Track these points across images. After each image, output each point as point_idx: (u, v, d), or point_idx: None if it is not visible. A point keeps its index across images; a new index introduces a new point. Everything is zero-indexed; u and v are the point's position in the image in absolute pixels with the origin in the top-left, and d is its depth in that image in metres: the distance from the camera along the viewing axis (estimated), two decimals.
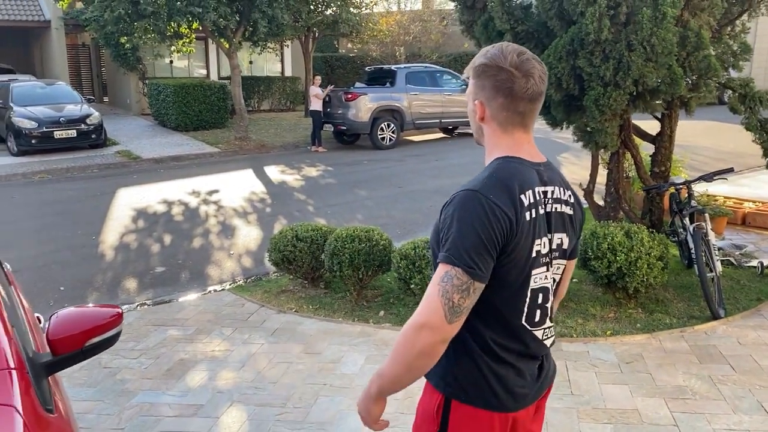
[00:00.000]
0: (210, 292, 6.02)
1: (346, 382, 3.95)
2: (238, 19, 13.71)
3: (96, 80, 24.89)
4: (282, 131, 16.73)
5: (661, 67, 4.22)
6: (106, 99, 24.14)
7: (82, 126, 13.74)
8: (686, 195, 5.14)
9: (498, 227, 1.50)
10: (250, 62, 22.41)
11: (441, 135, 16.66)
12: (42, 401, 1.54)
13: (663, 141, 5.41)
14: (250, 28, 14.46)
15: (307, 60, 19.67)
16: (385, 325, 4.88)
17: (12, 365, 1.51)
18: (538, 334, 1.67)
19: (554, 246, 1.65)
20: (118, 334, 1.88)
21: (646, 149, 6.07)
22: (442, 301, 1.49)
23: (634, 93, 4.39)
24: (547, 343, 1.71)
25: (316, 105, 14.34)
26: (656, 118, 5.44)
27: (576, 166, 11.93)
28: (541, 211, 1.60)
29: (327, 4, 17.45)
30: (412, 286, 4.86)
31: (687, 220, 5.03)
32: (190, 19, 12.66)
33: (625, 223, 5.02)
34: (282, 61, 23.46)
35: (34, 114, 13.40)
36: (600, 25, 4.11)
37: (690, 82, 4.60)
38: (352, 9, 18.49)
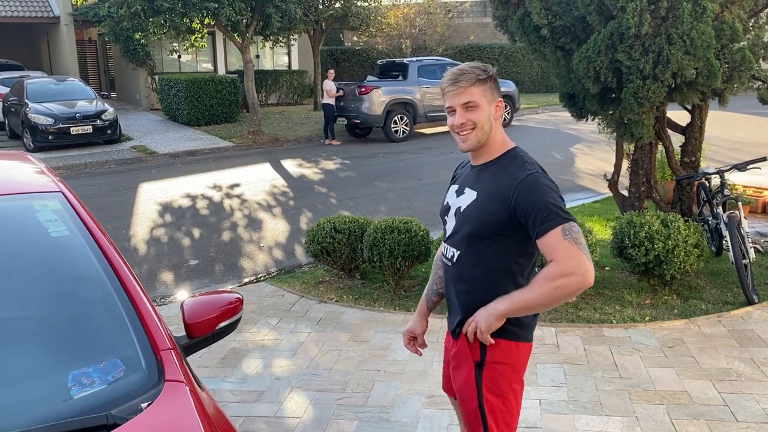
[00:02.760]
0: (247, 283, 6.16)
1: (399, 368, 4.08)
2: (251, 13, 13.79)
3: (103, 76, 24.95)
4: (294, 125, 16.83)
5: (699, 60, 4.33)
6: (113, 94, 24.19)
7: (98, 122, 13.85)
8: (718, 184, 5.26)
9: None
10: (257, 56, 22.47)
11: None
12: (195, 379, 1.68)
13: (693, 132, 5.54)
14: (263, 23, 14.53)
15: (316, 53, 19.74)
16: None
17: (171, 345, 1.65)
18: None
19: None
20: (239, 319, 2.01)
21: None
22: (579, 247, 1.85)
23: (672, 85, 4.51)
24: None
25: (328, 99, 14.44)
26: (686, 109, 5.55)
27: (590, 156, 12.07)
28: None
29: None
30: None
31: (719, 209, 5.15)
32: (205, 14, 12.74)
33: (659, 212, 5.15)
34: (289, 54, 23.52)
35: (50, 110, 13.50)
36: (641, 20, 4.23)
37: (724, 73, 4.72)
38: (360, 2, 18.54)
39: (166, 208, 9.10)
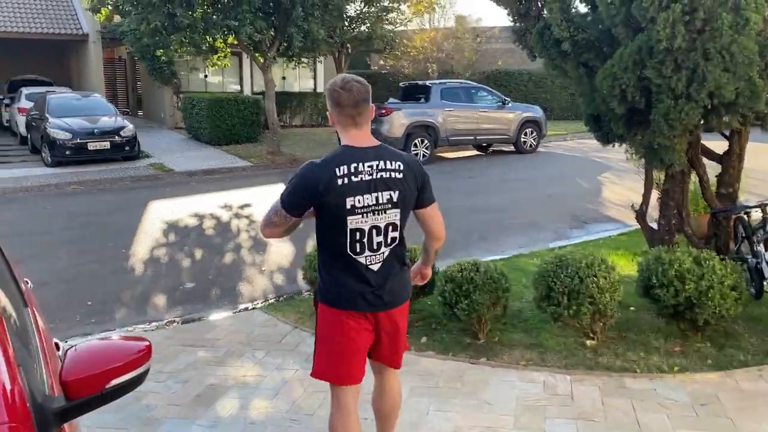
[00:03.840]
0: (242, 310, 5.75)
1: None
2: (273, 33, 13.64)
3: (132, 94, 25.16)
4: (314, 146, 16.57)
5: (740, 79, 3.85)
6: (140, 112, 24.35)
7: (116, 138, 13.74)
8: (760, 219, 4.72)
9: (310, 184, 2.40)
10: (283, 78, 22.42)
11: (474, 152, 16.31)
12: None
13: (731, 160, 5.01)
14: (285, 43, 14.36)
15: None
16: (428, 354, 4.53)
17: (10, 420, 1.19)
18: (361, 260, 2.46)
19: (384, 200, 2.43)
20: (145, 373, 1.58)
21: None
22: (267, 211, 2.60)
23: (708, 106, 4.02)
24: (373, 267, 2.49)
25: None
26: (723, 135, 5.04)
27: (618, 185, 11.49)
28: (362, 178, 2.38)
29: (362, 19, 17.33)
30: (458, 311, 4.51)
31: (761, 247, 4.60)
32: (226, 32, 12.60)
33: (691, 249, 4.62)
34: (315, 77, 23.43)
35: (68, 125, 13.44)
36: (673, 32, 3.76)
37: None
38: (386, 25, 18.34)
39: (171, 227, 8.79)
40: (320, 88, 23.24)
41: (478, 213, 9.42)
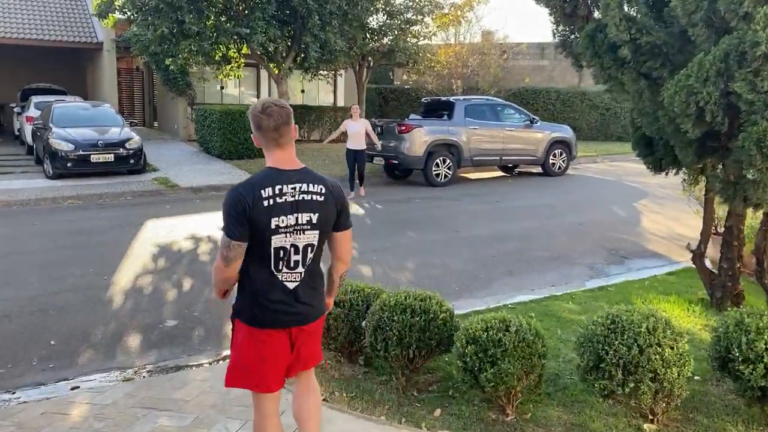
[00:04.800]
0: (223, 358, 4.87)
1: None
2: (289, 43, 12.90)
3: (148, 105, 24.70)
4: (330, 163, 15.74)
5: None
6: (156, 124, 23.85)
7: (121, 150, 13.06)
8: None
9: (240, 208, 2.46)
10: (302, 91, 21.75)
11: (500, 173, 15.36)
12: None
13: None
14: (302, 54, 13.62)
15: (360, 90, 18.81)
16: None
17: None
18: (280, 276, 2.59)
19: (303, 221, 2.55)
20: None
21: None
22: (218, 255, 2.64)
23: None
24: (289, 285, 2.61)
25: (351, 142, 11.82)
26: None
27: (659, 215, 10.47)
28: (285, 199, 2.50)
29: (384, 31, 16.57)
30: (482, 380, 3.58)
31: None
32: (237, 40, 11.89)
33: None
34: (335, 91, 22.73)
35: (71, 136, 12.80)
36: None
37: None
38: (410, 38, 17.55)
39: (163, 250, 7.98)
40: (340, 102, 22.54)
41: (503, 242, 8.48)
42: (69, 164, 12.64)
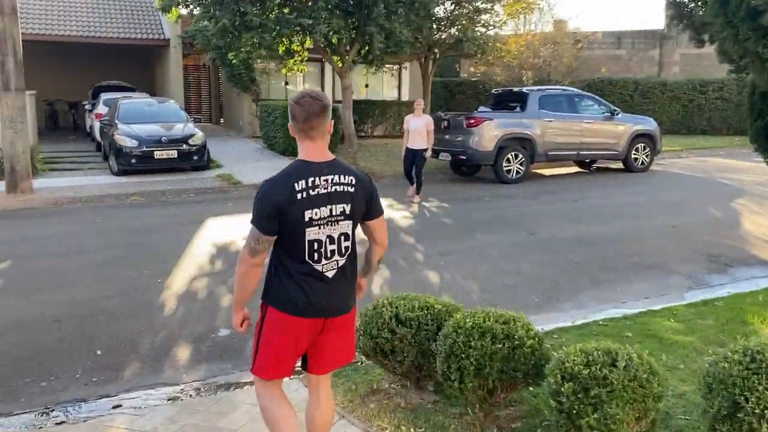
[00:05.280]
0: None
1: None
2: (352, 34, 12.38)
3: (214, 101, 24.85)
4: (393, 159, 15.16)
5: None
6: (222, 120, 23.96)
7: (184, 146, 12.92)
8: None
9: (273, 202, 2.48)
10: (366, 85, 21.30)
11: (576, 169, 14.41)
12: None
13: None
14: (366, 45, 13.09)
15: (426, 83, 18.15)
16: None
17: None
18: (318, 267, 2.59)
19: (338, 212, 2.58)
20: None
21: None
22: (245, 244, 2.64)
23: None
24: (328, 275, 2.62)
25: (409, 139, 10.64)
26: None
27: (761, 216, 9.41)
28: (318, 192, 2.51)
29: (452, 21, 15.84)
30: (582, 426, 2.91)
31: None
32: (300, 31, 11.47)
33: None
34: (399, 84, 22.17)
35: (135, 132, 12.75)
36: None
37: None
38: (478, 28, 16.73)
39: (221, 251, 7.62)
40: (405, 96, 21.96)
41: (587, 246, 7.68)
42: (133, 160, 12.59)
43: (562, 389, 2.97)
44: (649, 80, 23.15)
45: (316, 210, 2.51)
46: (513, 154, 12.27)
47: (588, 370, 2.94)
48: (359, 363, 4.52)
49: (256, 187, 12.26)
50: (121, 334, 5.15)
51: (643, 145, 13.51)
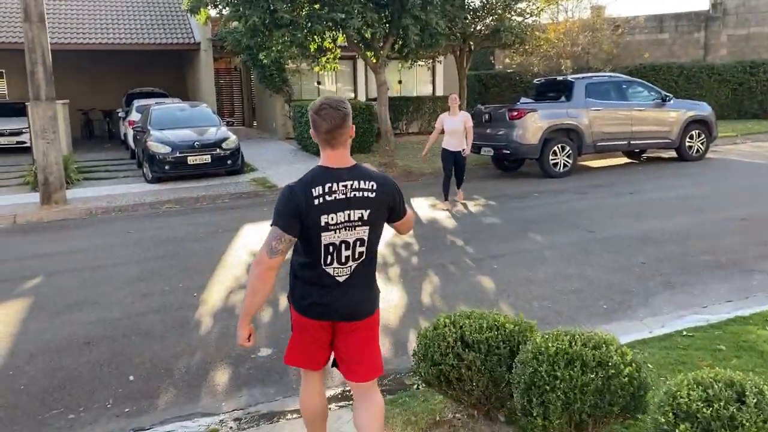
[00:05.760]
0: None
1: None
2: (386, 28, 11.88)
3: (246, 104, 24.66)
4: (432, 156, 14.57)
5: None
6: (255, 123, 23.74)
7: (217, 151, 12.61)
8: None
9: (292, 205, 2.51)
10: (400, 82, 20.81)
11: (625, 160, 13.66)
12: None
13: None
14: (400, 39, 12.58)
15: (461, 77, 17.55)
16: None
17: None
18: (329, 271, 2.62)
19: (355, 218, 2.57)
20: None
21: None
22: (263, 244, 2.64)
23: None
24: (339, 279, 2.64)
25: (448, 140, 9.57)
26: None
27: None
28: (335, 197, 2.53)
29: (488, 10, 15.21)
30: None
31: None
32: (332, 27, 11.02)
33: None
34: (434, 79, 21.61)
35: (168, 138, 12.50)
36: None
37: None
38: (514, 17, 16.06)
39: None
40: (439, 91, 21.40)
41: (652, 244, 7.05)
42: (167, 167, 12.34)
43: (677, 430, 2.43)
44: (695, 64, 22.08)
45: (332, 215, 2.54)
46: (559, 146, 11.62)
47: (710, 410, 2.39)
48: (416, 387, 4.04)
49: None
50: (155, 357, 4.77)
51: (697, 131, 12.71)
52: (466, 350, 3.19)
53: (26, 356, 4.83)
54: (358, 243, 2.62)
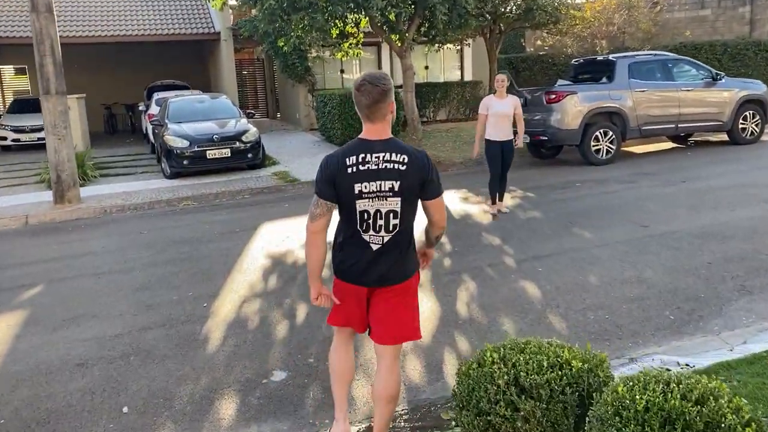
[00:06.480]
0: None
1: None
2: (412, 8, 11.11)
3: (270, 95, 24.10)
4: (461, 144, 13.88)
5: None
6: (278, 114, 23.18)
7: (237, 144, 12.02)
8: None
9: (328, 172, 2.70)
10: (426, 67, 20.00)
11: (671, 145, 12.72)
12: None
13: None
14: (427, 21, 11.81)
15: (492, 60, 16.70)
16: None
17: None
18: (366, 237, 2.76)
19: (386, 188, 2.68)
20: None
21: None
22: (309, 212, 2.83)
23: None
24: (373, 246, 2.76)
25: (493, 129, 7.87)
26: None
27: None
28: (368, 167, 2.65)
29: None
30: None
31: None
32: (353, 8, 10.31)
33: None
34: (461, 64, 20.71)
35: (186, 132, 11.95)
36: None
37: None
38: None
39: (276, 264, 6.59)
40: (468, 76, 20.52)
41: (715, 241, 6.23)
42: (185, 162, 11.80)
43: None
44: (740, 41, 20.77)
45: (366, 183, 2.66)
46: (602, 131, 10.75)
47: None
48: (455, 425, 3.36)
49: (314, 185, 11.34)
50: (154, 382, 4.17)
51: (752, 112, 11.70)
52: (523, 397, 2.50)
53: (12, 382, 4.29)
54: (392, 215, 2.72)
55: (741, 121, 11.69)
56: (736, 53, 20.33)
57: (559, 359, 2.62)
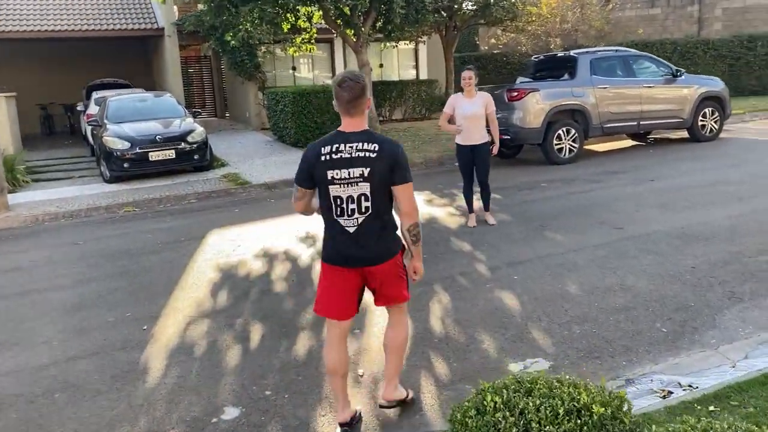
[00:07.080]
0: None
1: None
2: (368, 2, 10.60)
3: (218, 93, 23.17)
4: (421, 144, 13.45)
5: None
6: (227, 114, 22.30)
7: (182, 145, 11.27)
8: None
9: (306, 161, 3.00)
10: (381, 65, 19.52)
11: (631, 142, 12.58)
12: None
13: None
14: (383, 15, 11.32)
15: (448, 58, 16.37)
16: None
17: None
18: (341, 222, 3.00)
19: (356, 175, 2.91)
20: None
21: None
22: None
23: None
24: (349, 229, 2.99)
25: (462, 133, 6.97)
26: None
27: None
28: (341, 156, 2.91)
29: None
30: None
31: None
32: (306, 1, 9.73)
33: None
34: (417, 62, 20.32)
35: (126, 132, 11.13)
36: None
37: None
38: None
39: (227, 277, 5.97)
40: (423, 75, 20.13)
41: (697, 243, 5.93)
42: (126, 165, 10.98)
43: None
44: (689, 40, 21.09)
45: (338, 171, 2.92)
46: (564, 129, 10.47)
47: None
48: None
49: (266, 187, 10.59)
50: (83, 426, 3.54)
51: (711, 109, 11.64)
52: None
53: None
54: (363, 198, 2.94)
55: (701, 118, 11.61)
56: (685, 51, 20.61)
57: (575, 404, 2.15)
